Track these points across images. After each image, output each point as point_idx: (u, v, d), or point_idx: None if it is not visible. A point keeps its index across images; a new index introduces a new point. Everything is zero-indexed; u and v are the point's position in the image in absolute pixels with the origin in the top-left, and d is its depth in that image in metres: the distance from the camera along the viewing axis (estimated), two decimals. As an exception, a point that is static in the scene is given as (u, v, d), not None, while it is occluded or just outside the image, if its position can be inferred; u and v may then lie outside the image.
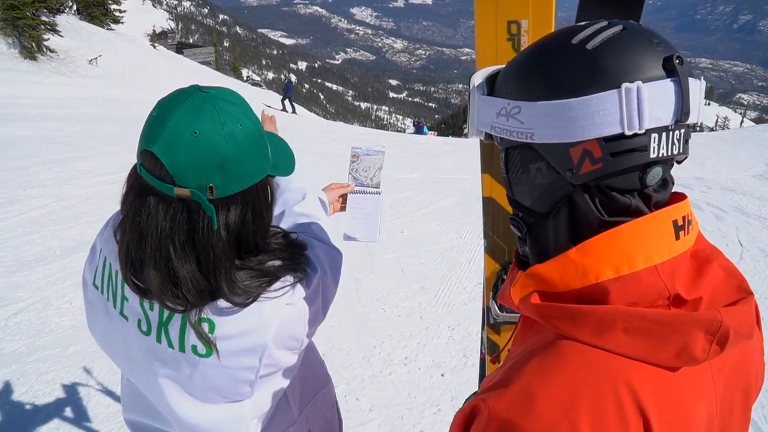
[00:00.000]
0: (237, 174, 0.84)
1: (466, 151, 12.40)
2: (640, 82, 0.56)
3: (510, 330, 1.52)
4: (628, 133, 0.57)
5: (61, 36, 20.14)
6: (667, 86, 0.57)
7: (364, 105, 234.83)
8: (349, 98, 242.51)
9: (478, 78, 0.71)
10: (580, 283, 0.60)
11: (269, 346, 0.93)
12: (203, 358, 0.92)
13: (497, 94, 0.68)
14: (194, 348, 0.91)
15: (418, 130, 28.20)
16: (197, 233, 0.85)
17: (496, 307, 1.48)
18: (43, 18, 19.87)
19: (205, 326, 0.90)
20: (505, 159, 0.70)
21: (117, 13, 29.47)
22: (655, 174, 0.61)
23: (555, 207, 0.65)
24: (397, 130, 64.48)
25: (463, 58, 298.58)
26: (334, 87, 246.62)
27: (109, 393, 3.06)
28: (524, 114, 0.62)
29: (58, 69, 19.28)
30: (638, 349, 0.57)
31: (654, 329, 0.56)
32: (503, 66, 0.71)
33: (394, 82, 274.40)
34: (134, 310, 0.94)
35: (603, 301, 0.59)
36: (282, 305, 0.94)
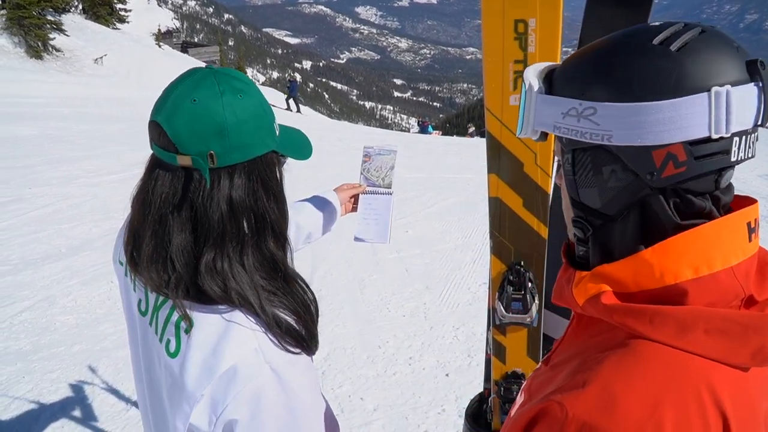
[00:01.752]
0: (237, 142, 0.84)
1: (471, 150, 12.39)
2: (729, 86, 0.56)
3: (516, 331, 1.51)
4: (714, 136, 0.57)
5: (67, 35, 20.24)
6: (752, 91, 0.58)
7: (368, 104, 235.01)
8: (354, 97, 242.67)
9: (532, 76, 0.69)
10: (656, 283, 0.60)
11: (215, 378, 0.81)
12: (170, 357, 0.87)
13: (561, 93, 0.66)
14: (167, 343, 0.88)
15: (423, 130, 28.06)
16: (198, 200, 0.85)
17: (501, 307, 1.47)
18: (49, 17, 19.97)
19: (185, 324, 0.85)
20: (572, 161, 0.69)
21: (122, 13, 29.61)
22: (728, 176, 0.62)
23: (626, 209, 0.64)
24: (401, 130, 64.47)
25: (468, 57, 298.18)
26: (339, 86, 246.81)
27: (114, 391, 3.07)
28: (601, 115, 0.61)
29: (63, 68, 19.38)
30: (717, 350, 0.58)
31: (735, 330, 0.57)
32: (555, 63, 0.70)
33: (398, 82, 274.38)
34: (140, 288, 0.94)
35: (681, 302, 0.59)
36: (250, 347, 0.82)
